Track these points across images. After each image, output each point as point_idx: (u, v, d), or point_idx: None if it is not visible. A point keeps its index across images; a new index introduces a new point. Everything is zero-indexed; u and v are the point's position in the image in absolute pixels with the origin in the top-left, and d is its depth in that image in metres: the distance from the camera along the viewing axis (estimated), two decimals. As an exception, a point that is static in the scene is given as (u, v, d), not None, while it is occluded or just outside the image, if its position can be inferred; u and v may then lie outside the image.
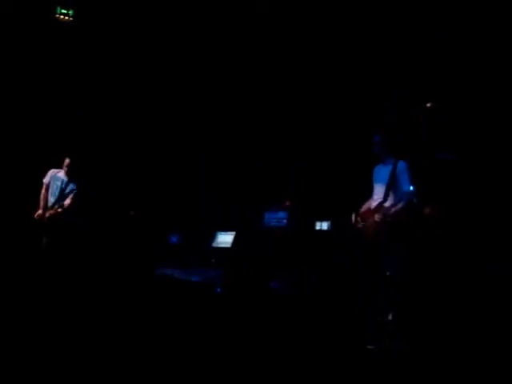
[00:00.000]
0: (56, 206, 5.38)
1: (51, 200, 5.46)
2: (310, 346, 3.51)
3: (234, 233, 6.52)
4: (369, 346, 3.46)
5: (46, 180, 5.53)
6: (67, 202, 5.40)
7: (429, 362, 3.09)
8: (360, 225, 4.65)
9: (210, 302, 5.10)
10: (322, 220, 6.24)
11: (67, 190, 5.46)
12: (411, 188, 4.36)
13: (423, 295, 4.51)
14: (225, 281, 5.47)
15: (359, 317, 4.10)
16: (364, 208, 4.66)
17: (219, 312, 4.59)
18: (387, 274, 4.27)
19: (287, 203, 6.65)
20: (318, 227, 6.29)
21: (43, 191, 5.48)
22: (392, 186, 4.32)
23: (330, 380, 2.87)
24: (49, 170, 5.63)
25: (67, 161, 5.52)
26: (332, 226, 6.10)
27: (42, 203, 5.43)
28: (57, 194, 5.45)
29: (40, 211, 5.37)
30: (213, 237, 6.75)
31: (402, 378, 2.92)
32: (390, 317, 4.04)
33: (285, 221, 6.55)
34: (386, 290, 4.18)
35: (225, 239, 6.60)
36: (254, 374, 2.89)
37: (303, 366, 3.06)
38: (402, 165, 4.42)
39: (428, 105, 3.66)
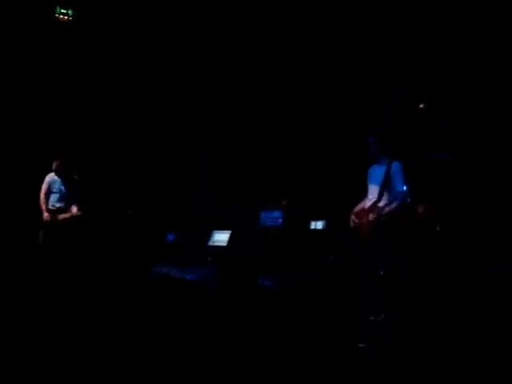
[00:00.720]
0: (69, 212, 5.59)
1: (52, 202, 5.69)
2: (300, 343, 3.53)
3: (230, 231, 6.56)
4: (360, 345, 3.49)
5: (44, 185, 5.74)
6: (75, 209, 5.60)
7: (421, 362, 3.11)
8: (354, 224, 4.70)
9: (205, 300, 5.13)
10: (316, 219, 6.28)
11: (64, 192, 5.66)
12: (405, 188, 4.41)
13: (417, 295, 4.54)
14: (219, 279, 5.51)
15: (351, 315, 4.13)
16: (358, 208, 4.71)
17: (213, 310, 4.62)
18: (381, 273, 4.31)
19: (284, 203, 6.69)
20: (312, 226, 6.33)
21: (42, 196, 5.70)
22: (386, 186, 4.37)
23: (319, 377, 2.90)
24: (47, 170, 5.79)
25: (54, 164, 5.68)
26: (327, 226, 6.14)
27: (44, 207, 5.65)
28: (57, 196, 5.66)
29: (46, 213, 5.59)
30: (209, 235, 6.79)
31: (392, 376, 2.94)
32: (382, 315, 4.07)
33: (280, 220, 6.59)
34: (379, 289, 4.22)
35: (221, 238, 6.64)
36: (246, 371, 2.92)
37: (293, 363, 3.09)
38: (396, 165, 4.48)
39: (421, 106, 3.69)
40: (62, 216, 5.59)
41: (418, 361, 3.12)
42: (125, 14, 6.68)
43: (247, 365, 3.02)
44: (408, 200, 4.62)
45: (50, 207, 5.65)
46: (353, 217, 4.71)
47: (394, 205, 4.29)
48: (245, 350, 3.33)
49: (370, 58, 6.08)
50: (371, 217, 4.45)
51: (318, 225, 6.28)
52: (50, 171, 5.77)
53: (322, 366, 3.08)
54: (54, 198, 5.69)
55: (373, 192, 4.54)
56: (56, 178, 5.73)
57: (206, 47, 7.08)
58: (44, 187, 5.73)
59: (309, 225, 6.40)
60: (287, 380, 2.82)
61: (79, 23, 6.67)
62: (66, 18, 6.58)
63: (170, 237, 7.35)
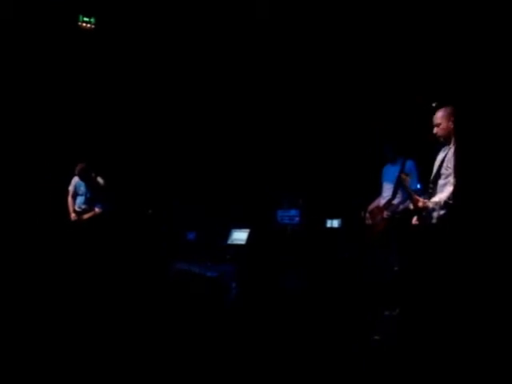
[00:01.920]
0: (92, 211, 5.87)
1: (79, 204, 5.95)
2: (317, 338, 3.65)
3: (248, 230, 6.70)
4: (375, 337, 3.60)
5: (70, 187, 6.01)
6: (98, 210, 5.87)
7: (435, 357, 3.19)
8: (369, 222, 4.82)
9: (223, 296, 5.29)
10: (332, 218, 6.38)
11: (89, 195, 5.91)
12: (419, 186, 4.50)
13: (430, 291, 4.61)
14: (238, 277, 5.65)
15: (367, 309, 4.25)
16: (373, 206, 4.82)
17: (232, 308, 4.77)
18: (395, 269, 4.41)
19: (300, 201, 6.80)
20: (328, 225, 6.43)
21: (69, 198, 5.99)
22: (400, 185, 4.46)
23: (337, 368, 3.03)
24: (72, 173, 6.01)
25: (77, 169, 5.85)
26: (342, 224, 6.23)
27: (71, 208, 5.95)
28: (83, 199, 5.93)
29: (72, 214, 5.90)
30: (228, 234, 6.95)
31: (405, 367, 3.04)
32: (397, 310, 4.18)
33: (297, 218, 6.71)
34: (394, 284, 4.32)
35: (239, 236, 6.80)
36: (265, 364, 3.06)
37: (310, 356, 3.22)
38: (410, 164, 4.56)
39: (433, 104, 3.75)
40: (86, 216, 5.87)
41: (430, 355, 3.22)
42: (148, 22, 6.81)
43: (266, 358, 3.16)
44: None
45: (77, 209, 5.93)
46: (367, 215, 4.83)
47: (408, 203, 4.38)
48: (264, 343, 3.47)
49: (379, 57, 6.10)
50: (386, 214, 4.57)
51: (334, 223, 6.38)
52: (75, 175, 6.01)
53: (338, 357, 3.21)
54: (80, 200, 5.96)
55: (387, 190, 4.64)
56: (80, 181, 5.97)
57: (225, 56, 7.18)
58: (71, 190, 6.00)
59: (325, 223, 6.51)
60: (306, 370, 2.97)
61: (102, 31, 6.84)
62: (88, 26, 6.74)
63: (191, 235, 7.54)
